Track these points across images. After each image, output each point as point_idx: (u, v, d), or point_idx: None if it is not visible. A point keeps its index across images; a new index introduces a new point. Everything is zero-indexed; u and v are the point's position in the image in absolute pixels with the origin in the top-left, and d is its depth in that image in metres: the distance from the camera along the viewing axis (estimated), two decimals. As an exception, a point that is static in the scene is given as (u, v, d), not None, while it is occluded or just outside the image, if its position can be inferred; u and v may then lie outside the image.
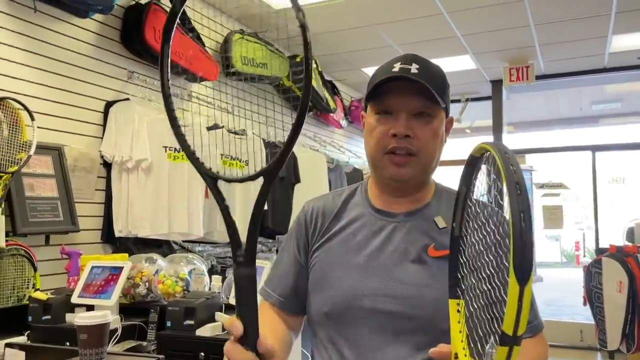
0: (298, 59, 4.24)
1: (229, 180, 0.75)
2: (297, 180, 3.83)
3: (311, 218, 1.19)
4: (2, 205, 2.07)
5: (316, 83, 4.51)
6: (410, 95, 1.07)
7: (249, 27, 3.91)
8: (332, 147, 5.21)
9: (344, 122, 5.32)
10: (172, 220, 2.84)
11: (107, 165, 2.77)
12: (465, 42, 4.68)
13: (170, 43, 0.74)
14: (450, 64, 5.10)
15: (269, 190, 0.71)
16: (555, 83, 5.90)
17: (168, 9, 3.04)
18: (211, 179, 0.73)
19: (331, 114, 4.96)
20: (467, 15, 4.07)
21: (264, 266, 1.99)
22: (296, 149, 4.02)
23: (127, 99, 2.86)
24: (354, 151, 5.73)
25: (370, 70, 5.10)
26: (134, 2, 2.96)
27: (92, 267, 1.93)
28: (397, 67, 1.08)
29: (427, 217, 1.12)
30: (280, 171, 0.70)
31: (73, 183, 2.56)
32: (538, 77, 5.42)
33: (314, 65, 4.49)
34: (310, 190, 3.83)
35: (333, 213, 1.17)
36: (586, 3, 3.91)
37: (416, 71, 1.07)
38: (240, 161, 3.34)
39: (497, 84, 5.88)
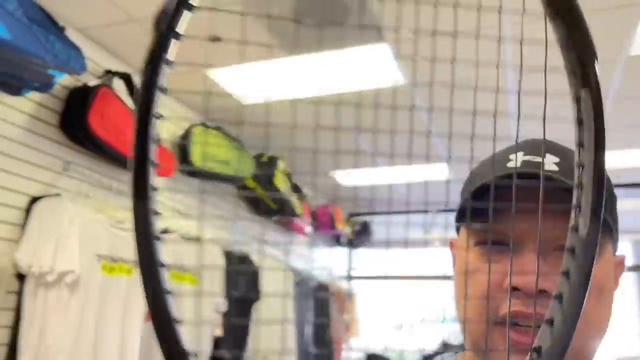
0: (264, 158, 3.86)
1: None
2: (258, 298, 3.27)
3: None
4: None
5: (284, 185, 4.09)
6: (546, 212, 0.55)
7: (212, 120, 3.52)
8: (295, 257, 4.69)
9: (308, 229, 4.86)
10: (99, 353, 2.21)
11: (22, 278, 2.17)
12: None
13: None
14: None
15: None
16: None
17: (120, 95, 2.60)
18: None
19: (296, 219, 4.50)
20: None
21: None
22: (257, 259, 3.50)
23: (58, 195, 2.33)
24: (319, 261, 5.22)
25: (341, 175, 4.77)
26: (80, 84, 2.52)
27: None
28: (516, 159, 0.58)
29: None
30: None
31: (-31, 301, 1.95)
32: None
33: (281, 167, 4.10)
34: (273, 310, 3.26)
35: None
36: None
37: (555, 167, 0.56)
38: (193, 274, 2.78)
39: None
